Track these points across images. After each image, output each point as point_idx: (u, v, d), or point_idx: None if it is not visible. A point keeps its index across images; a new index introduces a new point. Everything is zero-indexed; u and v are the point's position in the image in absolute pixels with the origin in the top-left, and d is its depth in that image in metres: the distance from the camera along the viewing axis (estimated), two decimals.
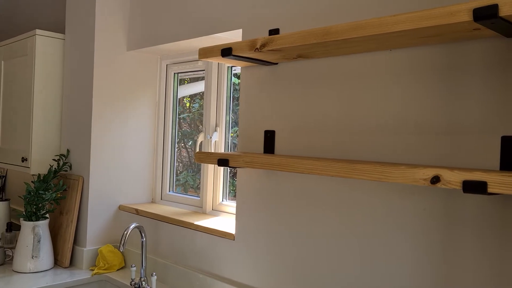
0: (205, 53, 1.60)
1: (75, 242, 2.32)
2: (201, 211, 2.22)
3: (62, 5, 2.70)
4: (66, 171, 2.40)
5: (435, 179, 1.01)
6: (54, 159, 2.38)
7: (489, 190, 0.93)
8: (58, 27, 2.73)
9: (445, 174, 0.99)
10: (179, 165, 2.52)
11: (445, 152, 1.21)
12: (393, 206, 1.32)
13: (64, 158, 2.39)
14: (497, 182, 0.92)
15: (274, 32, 1.65)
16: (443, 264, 1.21)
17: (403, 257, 1.29)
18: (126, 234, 1.84)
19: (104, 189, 2.31)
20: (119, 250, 1.85)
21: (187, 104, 2.53)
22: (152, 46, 2.23)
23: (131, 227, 1.89)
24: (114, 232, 2.35)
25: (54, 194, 2.23)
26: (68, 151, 2.40)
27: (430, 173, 1.02)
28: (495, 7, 0.93)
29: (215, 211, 2.17)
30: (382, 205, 1.34)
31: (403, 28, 1.08)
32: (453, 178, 0.98)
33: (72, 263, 2.30)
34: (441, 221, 1.22)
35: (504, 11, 0.92)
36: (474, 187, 0.95)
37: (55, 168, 2.34)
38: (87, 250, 2.25)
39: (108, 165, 2.31)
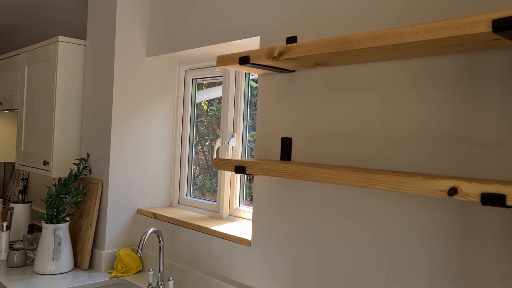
0: (223, 61, 1.62)
1: (94, 245, 2.36)
2: (217, 216, 2.24)
3: (84, 12, 2.76)
4: (86, 175, 2.44)
5: (453, 191, 1.00)
6: (74, 163, 2.43)
7: (508, 203, 0.92)
8: (80, 33, 2.79)
9: (463, 186, 0.99)
10: (196, 168, 2.54)
11: (465, 163, 1.20)
12: (411, 215, 1.31)
13: (84, 162, 2.44)
14: None
15: (291, 39, 1.66)
16: (462, 276, 1.20)
17: (421, 267, 1.28)
18: (144, 239, 1.87)
19: (122, 193, 2.35)
20: (137, 254, 1.87)
21: (205, 108, 2.56)
22: (171, 53, 2.26)
23: (149, 232, 1.92)
24: (132, 236, 2.39)
25: (74, 198, 2.28)
26: (88, 155, 2.45)
27: (448, 184, 1.01)
28: None
29: (232, 216, 2.19)
30: (400, 215, 1.34)
31: (421, 38, 1.08)
32: (471, 190, 0.97)
33: (91, 266, 2.34)
34: (460, 232, 1.21)
35: None
36: (493, 200, 0.94)
37: (75, 172, 2.39)
38: (105, 253, 2.29)
39: (127, 169, 2.35)
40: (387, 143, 1.37)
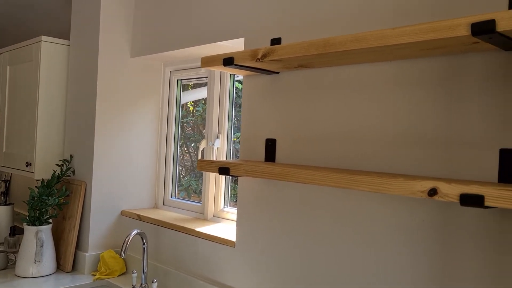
0: (207, 62, 1.62)
1: (77, 247, 2.33)
2: (202, 217, 2.23)
3: (68, 12, 2.73)
4: (69, 176, 2.42)
5: (433, 192, 1.01)
6: (57, 164, 2.40)
7: (486, 203, 0.94)
8: (63, 33, 2.76)
9: (443, 187, 1.00)
10: (182, 169, 2.53)
11: (446, 164, 1.22)
12: (394, 216, 1.32)
13: (67, 164, 2.41)
14: (494, 195, 0.93)
15: (276, 41, 1.66)
16: (443, 276, 1.22)
17: (404, 268, 1.30)
18: (128, 241, 1.86)
19: (106, 195, 2.33)
20: (120, 256, 1.86)
21: (191, 108, 2.55)
22: (155, 53, 2.25)
23: (133, 233, 1.90)
24: (116, 238, 2.36)
25: (57, 200, 2.25)
26: (71, 156, 2.42)
27: (428, 185, 1.02)
28: (492, 22, 0.94)
29: (217, 217, 2.18)
30: (383, 215, 1.35)
31: (403, 41, 1.09)
32: (451, 191, 0.99)
33: (74, 268, 2.32)
34: (440, 232, 1.22)
35: (501, 27, 0.93)
36: (471, 200, 0.95)
37: (58, 173, 2.36)
38: (89, 255, 2.27)
39: (111, 171, 2.33)
40: (371, 144, 1.38)
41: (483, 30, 0.95)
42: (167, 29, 2.18)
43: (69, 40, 2.50)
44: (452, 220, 1.20)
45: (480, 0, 1.17)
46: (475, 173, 1.16)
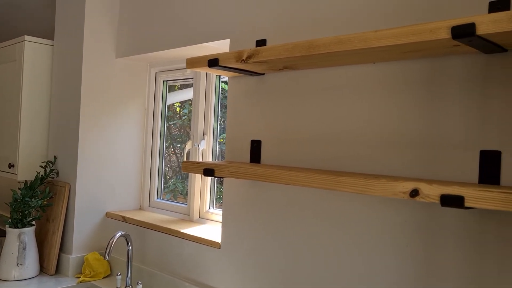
0: (192, 63, 1.61)
1: (61, 249, 2.31)
2: (188, 218, 2.22)
3: (52, 12, 2.70)
4: (53, 178, 2.39)
5: (414, 193, 1.02)
6: (41, 166, 2.37)
7: (466, 204, 0.95)
8: (47, 33, 2.73)
9: (424, 188, 1.01)
10: (168, 170, 2.52)
11: (427, 165, 1.23)
12: (379, 216, 1.34)
13: (51, 165, 2.39)
14: (474, 196, 0.94)
15: (261, 42, 1.67)
16: (426, 276, 1.23)
17: (388, 268, 1.31)
18: (112, 243, 1.84)
19: (91, 196, 2.30)
20: (104, 258, 1.84)
21: (178, 109, 2.54)
22: (141, 54, 2.24)
23: (117, 235, 1.89)
24: (100, 240, 2.34)
25: (40, 202, 2.22)
26: (55, 157, 2.39)
27: (410, 186, 1.03)
28: (472, 25, 0.95)
29: (202, 219, 2.18)
30: (368, 216, 1.36)
31: (385, 43, 1.10)
32: (432, 192, 1.00)
33: (57, 271, 2.29)
34: (422, 232, 1.24)
35: (480, 30, 0.95)
36: (452, 201, 0.97)
37: (42, 175, 2.33)
38: (73, 257, 2.25)
39: (95, 172, 2.31)
40: (355, 145, 1.39)
41: (463, 33, 0.97)
42: (152, 30, 2.17)
43: (53, 40, 2.48)
44: (434, 221, 1.22)
45: (463, 4, 1.19)
46: (456, 174, 1.18)
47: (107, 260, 2.26)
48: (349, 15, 1.42)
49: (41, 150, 2.44)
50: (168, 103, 2.51)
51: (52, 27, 2.68)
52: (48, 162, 2.37)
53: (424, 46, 1.10)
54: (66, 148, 2.33)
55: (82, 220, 2.28)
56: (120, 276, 1.98)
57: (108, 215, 2.34)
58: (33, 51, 2.38)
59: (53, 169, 2.36)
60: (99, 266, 2.21)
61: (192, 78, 2.27)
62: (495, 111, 1.12)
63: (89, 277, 2.18)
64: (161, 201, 2.43)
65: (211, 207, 2.20)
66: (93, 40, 2.29)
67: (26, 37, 2.35)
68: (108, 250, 1.83)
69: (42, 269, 2.28)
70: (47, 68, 2.44)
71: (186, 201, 2.30)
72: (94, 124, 2.30)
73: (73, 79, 2.31)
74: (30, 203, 2.19)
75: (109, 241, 1.85)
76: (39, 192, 2.27)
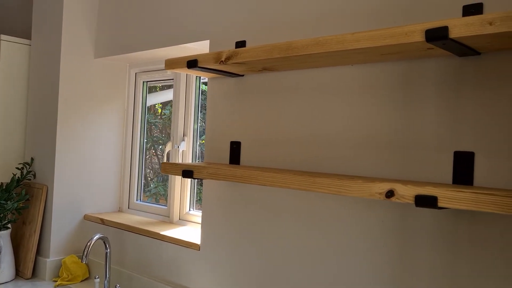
0: (171, 64, 1.60)
1: (38, 252, 2.27)
2: (168, 220, 2.21)
3: (29, 10, 2.65)
4: (30, 179, 2.35)
5: (390, 193, 1.04)
6: (17, 168, 2.33)
7: (440, 204, 0.97)
8: (24, 33, 2.68)
9: (399, 188, 1.02)
10: (150, 172, 2.50)
11: (403, 166, 1.25)
12: (356, 217, 1.35)
13: (28, 167, 2.34)
14: (447, 196, 0.96)
15: (240, 44, 1.67)
16: (401, 275, 1.25)
17: (365, 268, 1.32)
18: (89, 245, 1.82)
19: (69, 198, 2.27)
20: (82, 261, 1.82)
21: (159, 110, 2.52)
22: (120, 54, 2.21)
23: (95, 238, 1.86)
24: (78, 242, 2.31)
25: (16, 204, 2.18)
26: (32, 159, 2.35)
27: (385, 187, 1.05)
28: (445, 29, 0.97)
29: (182, 220, 2.17)
30: (346, 217, 1.37)
31: (362, 45, 1.11)
32: (406, 192, 1.01)
33: (34, 274, 2.25)
34: (398, 232, 1.25)
35: (454, 33, 0.97)
36: (425, 201, 0.98)
37: (18, 177, 2.29)
38: (50, 261, 2.21)
39: (73, 174, 2.28)
40: (333, 147, 1.40)
41: (437, 36, 0.99)
42: (132, 30, 2.15)
43: (30, 39, 2.43)
44: (410, 221, 1.23)
45: (439, 7, 1.21)
46: (431, 174, 1.19)
47: (85, 263, 2.23)
48: (329, 18, 1.43)
49: (17, 151, 2.39)
50: (149, 104, 2.49)
51: (29, 26, 2.63)
52: (24, 163, 2.33)
53: (400, 48, 1.12)
54: (43, 149, 2.29)
55: (59, 223, 2.24)
56: (98, 279, 1.95)
57: (86, 217, 2.31)
58: (10, 51, 2.34)
59: (30, 171, 2.32)
60: (77, 269, 2.18)
61: (173, 79, 2.26)
62: (468, 113, 1.14)
63: (67, 281, 2.15)
64: (141, 203, 2.41)
65: (191, 209, 2.19)
66: (71, 39, 2.26)
67: (2, 36, 2.30)
68: (85, 253, 1.80)
69: (18, 273, 2.24)
70: (23, 68, 2.40)
71: (166, 203, 2.28)
72: (72, 125, 2.27)
73: (50, 80, 2.27)
74: (5, 205, 2.15)
75: (87, 244, 1.83)
76: (15, 194, 2.22)
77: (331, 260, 1.39)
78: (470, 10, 1.14)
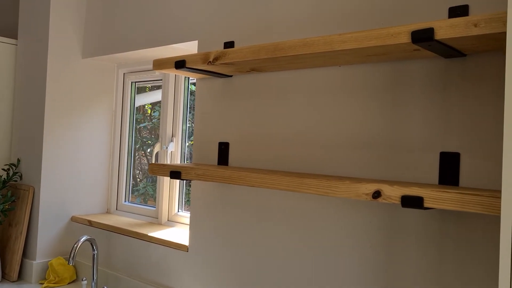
0: (159, 64, 1.60)
1: (24, 255, 2.24)
2: (156, 221, 2.19)
3: (16, 10, 2.62)
4: (16, 181, 2.32)
5: (377, 194, 1.04)
6: (3, 169, 2.30)
7: (426, 204, 0.97)
8: (11, 32, 2.65)
9: (386, 189, 1.03)
10: (139, 173, 2.48)
11: (390, 166, 1.25)
12: (344, 217, 1.35)
13: (14, 168, 2.31)
14: (433, 197, 0.96)
15: (229, 44, 1.66)
16: (387, 275, 1.25)
17: (352, 269, 1.32)
18: (76, 247, 1.80)
19: (56, 200, 2.24)
20: (68, 264, 1.80)
21: (149, 111, 2.51)
22: (108, 55, 2.20)
23: (82, 240, 1.85)
24: (65, 244, 2.29)
25: (1, 206, 2.15)
26: (18, 160, 2.32)
27: (372, 188, 1.05)
28: (431, 30, 0.98)
29: (171, 221, 2.16)
30: (333, 217, 1.37)
31: (348, 47, 1.12)
32: (393, 193, 1.02)
33: (20, 277, 2.22)
34: (386, 233, 1.26)
35: (439, 35, 0.97)
36: (412, 202, 0.99)
37: (4, 178, 2.26)
38: (36, 263, 2.18)
39: (60, 175, 2.25)
40: (321, 147, 1.40)
41: (423, 37, 0.99)
42: (120, 31, 2.14)
43: (16, 39, 2.40)
44: (397, 221, 1.24)
45: (426, 9, 1.22)
46: (418, 175, 1.20)
47: (72, 265, 2.20)
48: (317, 19, 1.43)
49: (3, 152, 2.36)
50: (138, 104, 2.47)
51: (16, 25, 2.60)
52: (11, 164, 2.30)
53: (386, 50, 1.12)
54: (30, 150, 2.26)
55: (46, 225, 2.22)
56: (85, 281, 1.93)
57: (73, 219, 2.29)
58: None
59: (16, 172, 2.29)
60: (64, 272, 2.16)
61: (161, 79, 2.25)
62: (454, 114, 1.15)
63: (54, 283, 2.13)
64: (129, 204, 2.39)
65: (180, 210, 2.18)
66: (59, 39, 2.24)
67: None
68: (72, 255, 1.79)
69: (4, 276, 2.21)
70: (10, 68, 2.37)
71: (155, 204, 2.27)
72: (59, 126, 2.24)
73: (37, 80, 2.25)
74: None
75: (73, 246, 1.81)
76: (0, 196, 2.19)
77: (319, 260, 1.39)
78: (456, 12, 1.15)
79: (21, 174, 2.31)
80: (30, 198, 2.21)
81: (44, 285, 2.11)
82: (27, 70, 2.31)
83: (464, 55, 1.13)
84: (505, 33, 0.91)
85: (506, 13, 0.89)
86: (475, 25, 0.94)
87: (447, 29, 0.97)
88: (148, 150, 2.48)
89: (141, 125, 2.49)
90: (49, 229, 2.23)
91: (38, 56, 2.25)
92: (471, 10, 1.13)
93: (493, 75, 1.10)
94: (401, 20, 1.25)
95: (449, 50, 1.08)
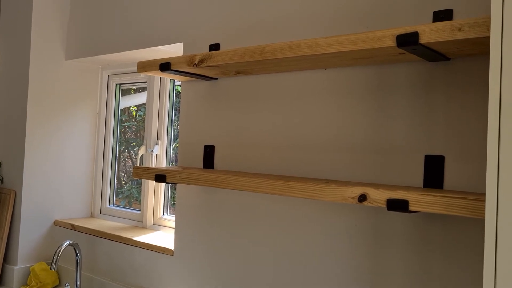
0: (144, 67, 1.58)
1: (5, 260, 2.19)
2: (141, 225, 2.17)
3: None
4: None
5: (362, 198, 1.04)
6: None
7: (411, 208, 0.97)
8: None
9: (371, 193, 1.03)
10: (124, 175, 2.45)
11: (376, 170, 1.26)
12: (329, 221, 1.35)
13: None
14: (417, 200, 0.97)
15: (214, 47, 1.65)
16: (372, 278, 1.25)
17: (339, 272, 1.32)
18: (59, 252, 1.77)
19: (38, 204, 2.20)
20: (51, 269, 1.77)
21: (133, 113, 2.48)
22: (91, 56, 2.17)
23: (64, 245, 1.82)
24: (48, 249, 2.24)
25: None
26: (0, 163, 2.28)
27: (358, 191, 1.05)
28: (415, 34, 0.98)
29: (156, 225, 2.13)
30: (319, 220, 1.37)
31: (333, 50, 1.12)
32: (379, 197, 1.02)
33: (1, 283, 2.17)
34: (371, 236, 1.26)
35: (424, 39, 0.98)
36: (397, 205, 0.99)
37: None
38: (18, 268, 2.14)
39: (43, 178, 2.21)
40: (307, 151, 1.40)
41: (407, 41, 1.00)
42: (104, 32, 2.11)
43: None
44: (383, 225, 1.24)
45: (411, 13, 1.22)
46: (403, 178, 1.21)
47: (55, 271, 2.17)
48: (303, 22, 1.43)
49: None
50: (123, 106, 2.44)
51: None
52: None
53: (372, 53, 1.13)
54: (11, 153, 2.22)
55: (28, 229, 2.17)
56: (68, 287, 1.90)
57: (56, 223, 2.25)
58: None
59: None
60: (46, 277, 2.12)
61: (146, 81, 2.23)
62: (439, 117, 1.16)
63: None
64: (114, 207, 2.36)
65: (165, 213, 2.15)
66: (41, 40, 2.20)
67: None
68: (54, 260, 1.75)
69: None
70: None
71: (140, 206, 2.24)
72: (41, 128, 2.20)
73: (19, 81, 2.21)
74: None
75: (56, 251, 1.78)
76: None
77: (305, 263, 1.39)
78: (440, 16, 1.16)
79: (2, 178, 2.26)
80: (12, 201, 2.16)
81: None
82: (9, 71, 2.27)
83: (448, 59, 1.14)
84: (488, 37, 0.91)
85: (489, 17, 0.90)
86: (459, 29, 0.94)
87: (431, 33, 0.98)
88: (133, 151, 2.45)
89: (126, 124, 2.46)
90: (31, 233, 2.18)
91: (20, 57, 2.21)
92: (455, 15, 1.14)
93: (477, 79, 1.11)
94: (386, 23, 1.26)
95: (433, 54, 1.09)
